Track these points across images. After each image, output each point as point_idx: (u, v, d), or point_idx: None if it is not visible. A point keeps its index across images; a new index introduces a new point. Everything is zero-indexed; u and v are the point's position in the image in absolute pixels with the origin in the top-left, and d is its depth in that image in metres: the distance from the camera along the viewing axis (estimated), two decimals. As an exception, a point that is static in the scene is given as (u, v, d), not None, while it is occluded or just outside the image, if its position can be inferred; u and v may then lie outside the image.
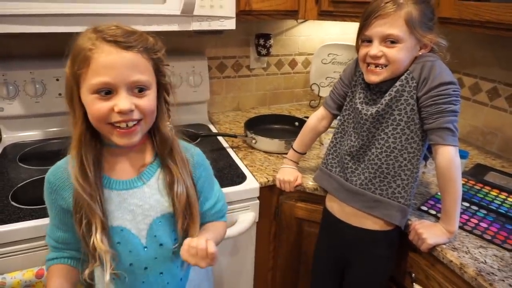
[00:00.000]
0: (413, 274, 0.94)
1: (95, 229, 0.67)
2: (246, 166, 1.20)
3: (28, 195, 0.99)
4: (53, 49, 1.32)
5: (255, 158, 1.27)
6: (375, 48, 0.83)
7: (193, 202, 0.75)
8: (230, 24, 1.16)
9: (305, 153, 1.14)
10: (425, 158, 1.20)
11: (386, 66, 0.84)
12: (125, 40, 0.62)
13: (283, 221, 1.21)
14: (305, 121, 1.11)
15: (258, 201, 1.14)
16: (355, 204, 0.94)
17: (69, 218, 0.72)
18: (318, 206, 1.11)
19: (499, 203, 1.03)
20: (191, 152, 0.80)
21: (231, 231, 1.05)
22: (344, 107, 0.99)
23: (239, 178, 1.13)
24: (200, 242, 0.67)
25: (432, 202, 1.01)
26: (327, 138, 1.33)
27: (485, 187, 1.11)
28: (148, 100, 0.67)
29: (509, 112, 1.29)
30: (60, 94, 1.29)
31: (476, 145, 1.42)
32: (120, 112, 0.63)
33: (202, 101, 1.55)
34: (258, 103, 1.78)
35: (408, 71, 0.84)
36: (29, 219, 0.88)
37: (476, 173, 1.19)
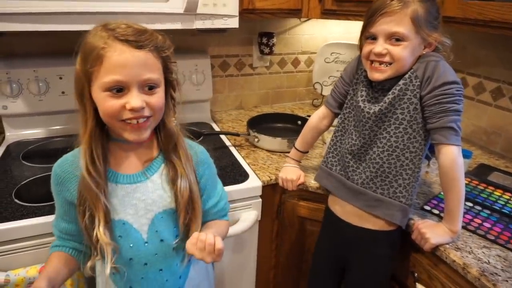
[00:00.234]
0: (416, 274, 0.94)
1: (98, 221, 0.68)
2: (248, 165, 1.20)
3: (31, 193, 0.99)
4: (56, 47, 1.32)
5: (258, 156, 1.27)
6: (380, 46, 0.82)
7: (195, 197, 0.76)
8: (233, 23, 1.16)
9: (307, 152, 1.14)
10: (428, 158, 1.20)
11: (390, 64, 0.83)
12: (137, 39, 0.63)
13: (286, 220, 1.21)
14: (307, 120, 1.11)
15: (260, 199, 1.14)
16: (356, 203, 0.94)
17: (73, 210, 0.74)
18: (320, 204, 1.11)
19: (503, 203, 1.03)
20: (195, 149, 0.81)
21: (233, 230, 1.05)
22: (345, 105, 0.98)
23: (242, 176, 1.13)
24: (208, 236, 0.68)
25: (435, 202, 1.01)
26: (329, 136, 1.33)
27: (489, 187, 1.11)
28: (158, 98, 0.68)
29: (513, 112, 1.29)
30: (63, 92, 1.29)
31: (480, 145, 1.41)
32: (132, 110, 0.65)
33: (204, 99, 1.55)
34: (260, 101, 1.78)
35: (412, 70, 0.83)
36: (32, 217, 0.89)
37: (479, 173, 1.19)
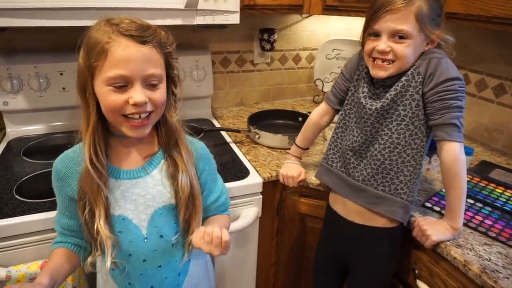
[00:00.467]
0: (417, 271, 0.94)
1: (99, 215, 0.69)
2: (249, 161, 1.20)
3: (32, 189, 0.99)
4: (57, 43, 1.32)
5: (259, 153, 1.27)
6: (383, 43, 0.81)
7: (196, 193, 0.76)
8: (234, 19, 1.16)
9: (307, 149, 1.14)
10: (430, 155, 1.19)
11: (393, 61, 0.82)
12: (141, 34, 0.64)
13: (286, 217, 1.21)
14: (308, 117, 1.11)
15: (261, 196, 1.14)
16: (357, 200, 0.94)
17: (74, 206, 0.74)
18: (321, 201, 1.11)
19: (504, 200, 1.02)
20: (195, 145, 0.81)
21: (234, 226, 1.05)
22: (346, 101, 0.98)
23: (242, 173, 1.13)
24: (215, 229, 0.68)
25: (436, 199, 1.01)
26: (330, 133, 1.32)
27: (490, 184, 1.11)
28: (160, 93, 0.69)
29: (515, 109, 1.28)
30: (64, 89, 1.29)
31: (481, 142, 1.40)
32: (135, 105, 0.65)
33: (205, 96, 1.55)
34: (261, 98, 1.78)
35: (414, 66, 0.83)
36: (33, 213, 0.89)
37: (481, 170, 1.18)
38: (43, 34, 1.30)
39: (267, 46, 1.59)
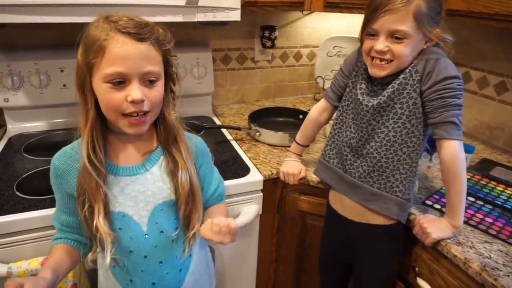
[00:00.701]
0: (417, 269, 0.94)
1: (98, 212, 0.69)
2: (250, 159, 1.20)
3: (33, 186, 0.99)
4: (58, 40, 1.32)
5: (259, 150, 1.27)
6: (382, 44, 0.81)
7: (196, 189, 0.77)
8: (235, 16, 1.15)
9: (308, 146, 1.14)
10: (431, 153, 1.19)
11: (391, 61, 0.82)
12: (139, 31, 0.64)
13: (287, 214, 1.21)
14: (308, 114, 1.11)
15: (261, 193, 1.14)
16: (353, 196, 0.94)
17: (72, 203, 0.74)
18: (321, 199, 1.11)
19: (505, 198, 1.02)
20: (194, 141, 0.82)
21: (234, 224, 1.05)
22: (344, 98, 0.97)
23: (243, 170, 1.13)
24: (221, 219, 0.70)
25: (437, 197, 1.01)
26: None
27: (491, 182, 1.10)
28: (157, 92, 0.69)
29: (517, 107, 1.28)
30: (64, 85, 1.29)
31: (482, 140, 1.40)
32: (133, 102, 0.65)
33: (206, 93, 1.54)
34: (262, 95, 1.77)
35: (412, 65, 0.83)
36: (34, 209, 0.89)
37: (482, 168, 1.18)
38: (44, 31, 1.30)
39: (268, 44, 1.58)
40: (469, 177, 1.09)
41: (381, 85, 0.88)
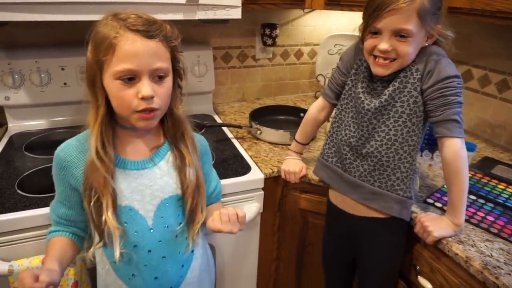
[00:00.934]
0: (418, 267, 0.94)
1: (106, 206, 0.69)
2: (250, 157, 1.20)
3: (34, 184, 0.99)
4: (58, 38, 1.32)
5: (260, 149, 1.26)
6: (386, 43, 0.80)
7: (201, 183, 0.79)
8: (236, 13, 1.15)
9: (308, 144, 1.13)
10: (432, 151, 1.19)
11: (394, 59, 0.81)
12: (148, 29, 0.65)
13: (288, 212, 1.21)
14: (308, 112, 1.10)
15: (262, 192, 1.13)
16: (354, 195, 0.94)
17: (75, 197, 0.75)
18: (322, 197, 1.11)
19: (507, 196, 1.02)
20: (198, 138, 0.84)
21: (235, 222, 1.05)
22: (342, 96, 0.97)
23: (244, 169, 1.12)
24: (229, 209, 0.75)
25: (438, 195, 1.00)
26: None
27: (493, 180, 1.10)
28: (166, 88, 0.71)
29: (519, 105, 1.27)
30: (65, 84, 1.29)
31: (484, 138, 1.40)
32: (143, 98, 0.66)
33: (207, 91, 1.54)
34: (263, 94, 1.77)
35: (413, 63, 0.82)
36: (35, 208, 0.89)
37: (483, 166, 1.18)
38: (44, 29, 1.29)
39: (269, 41, 1.58)
40: (470, 175, 1.09)
41: (381, 82, 0.88)
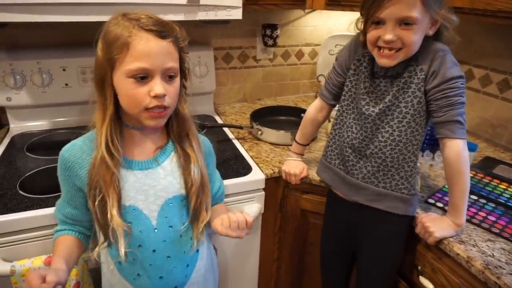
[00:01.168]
0: (420, 267, 0.94)
1: (111, 206, 0.70)
2: (251, 158, 1.20)
3: (35, 185, 1.00)
4: (60, 39, 1.32)
5: (261, 149, 1.27)
6: (391, 33, 0.77)
7: (206, 182, 0.80)
8: (237, 14, 1.15)
9: (308, 144, 1.13)
10: (433, 151, 1.19)
11: (400, 49, 0.79)
12: (161, 29, 0.67)
13: (289, 213, 1.21)
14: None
15: (263, 192, 1.13)
16: (358, 198, 0.93)
17: (80, 197, 0.75)
18: (323, 198, 1.10)
19: (508, 196, 1.02)
20: (202, 139, 0.85)
21: (236, 222, 1.05)
22: (343, 97, 0.96)
23: (245, 169, 1.12)
24: (237, 215, 0.76)
25: (439, 195, 1.00)
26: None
27: (494, 180, 1.10)
28: (176, 87, 0.73)
29: (520, 105, 1.27)
30: (66, 84, 1.29)
31: (485, 138, 1.40)
32: (156, 97, 0.68)
33: (208, 92, 1.54)
34: (264, 94, 1.77)
35: (417, 62, 0.82)
36: (37, 208, 0.89)
37: (484, 166, 1.18)
38: (45, 30, 1.30)
39: (270, 42, 1.58)
40: (471, 175, 1.09)
41: (383, 78, 0.86)
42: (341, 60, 0.96)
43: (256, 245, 1.22)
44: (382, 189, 0.90)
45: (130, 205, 0.74)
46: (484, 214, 0.93)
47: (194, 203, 0.77)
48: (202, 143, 0.83)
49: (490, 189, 1.05)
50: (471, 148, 1.11)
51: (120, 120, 0.74)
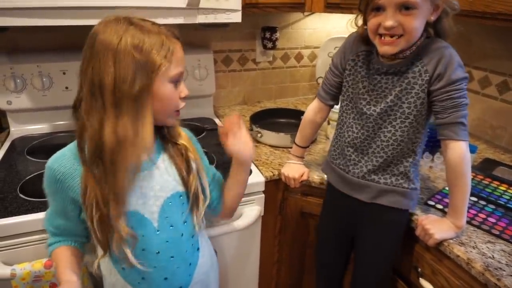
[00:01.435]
0: (420, 269, 0.94)
1: (117, 214, 0.68)
2: (251, 160, 1.20)
3: (36, 188, 0.99)
4: (60, 42, 1.32)
5: (261, 152, 1.27)
6: (391, 19, 0.75)
7: (200, 169, 0.81)
8: (236, 17, 1.16)
9: (308, 147, 1.13)
10: (433, 153, 1.19)
11: (401, 35, 0.78)
12: (178, 35, 0.71)
13: (289, 215, 1.21)
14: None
15: (263, 195, 1.14)
16: (359, 196, 0.93)
17: (72, 209, 0.73)
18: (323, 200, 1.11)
19: (508, 198, 1.02)
20: (184, 130, 0.84)
21: (236, 225, 1.05)
22: (341, 98, 0.96)
23: (245, 171, 1.12)
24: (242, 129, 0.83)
25: (439, 197, 1.00)
26: (333, 131, 1.32)
27: (494, 181, 1.10)
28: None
29: (519, 106, 1.27)
30: (67, 88, 1.29)
31: (485, 139, 1.40)
32: (185, 98, 0.74)
33: (207, 94, 1.55)
34: (263, 97, 1.77)
35: (422, 63, 0.81)
36: (37, 211, 0.89)
37: (484, 167, 1.18)
38: (46, 34, 1.30)
39: (269, 45, 1.58)
40: (471, 176, 1.07)
41: (385, 75, 0.85)
42: (336, 61, 0.96)
43: (256, 248, 1.22)
44: (383, 185, 0.90)
45: (131, 211, 0.73)
46: (484, 216, 0.93)
47: (193, 189, 0.78)
48: (184, 132, 0.82)
49: (490, 190, 1.05)
50: (471, 149, 1.11)
51: None
